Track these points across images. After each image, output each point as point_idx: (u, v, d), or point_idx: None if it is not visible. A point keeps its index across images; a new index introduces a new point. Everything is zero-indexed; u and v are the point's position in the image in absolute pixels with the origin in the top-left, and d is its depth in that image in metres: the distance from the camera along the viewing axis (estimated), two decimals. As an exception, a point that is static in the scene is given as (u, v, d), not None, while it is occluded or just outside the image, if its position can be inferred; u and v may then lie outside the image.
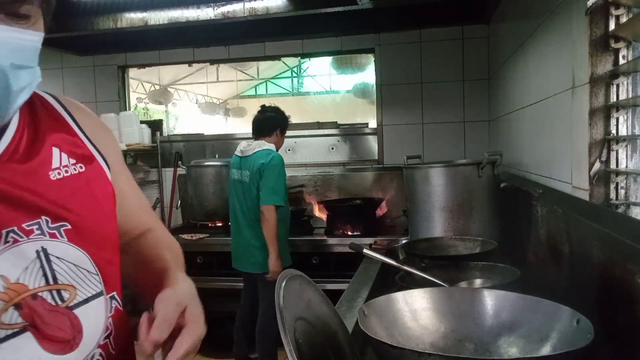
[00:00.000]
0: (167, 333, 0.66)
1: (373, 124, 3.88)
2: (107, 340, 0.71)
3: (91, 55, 4.11)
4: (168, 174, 4.12)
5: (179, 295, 0.73)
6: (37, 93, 0.75)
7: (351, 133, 3.93)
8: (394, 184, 3.65)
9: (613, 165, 1.18)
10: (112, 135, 0.87)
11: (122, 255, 0.80)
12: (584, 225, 1.16)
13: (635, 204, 1.15)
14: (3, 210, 0.62)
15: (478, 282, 1.43)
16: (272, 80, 11.67)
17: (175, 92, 9.80)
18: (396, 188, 3.64)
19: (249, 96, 11.61)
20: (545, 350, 0.88)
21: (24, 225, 0.63)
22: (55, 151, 0.71)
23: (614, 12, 1.15)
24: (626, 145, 1.16)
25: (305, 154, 3.95)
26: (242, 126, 10.70)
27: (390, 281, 1.13)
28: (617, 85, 1.17)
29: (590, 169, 1.20)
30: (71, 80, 4.19)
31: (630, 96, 1.15)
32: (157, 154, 4.04)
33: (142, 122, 4.07)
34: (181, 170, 4.00)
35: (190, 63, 4.25)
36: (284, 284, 0.89)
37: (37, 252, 0.64)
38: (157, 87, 8.84)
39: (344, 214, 3.46)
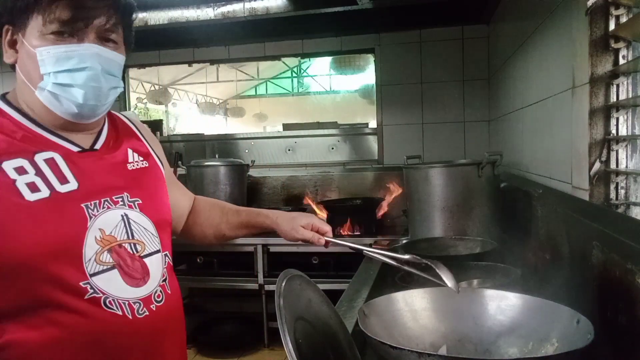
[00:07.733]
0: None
1: (373, 124, 3.88)
2: (164, 283, 0.97)
3: (91, 55, 4.11)
4: (168, 174, 4.11)
5: (290, 216, 1.23)
6: (115, 113, 1.09)
7: (351, 133, 3.93)
8: (394, 184, 3.64)
9: (613, 165, 1.18)
10: (157, 140, 1.20)
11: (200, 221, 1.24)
12: (584, 225, 1.16)
13: (635, 204, 1.15)
14: (102, 185, 0.92)
15: (478, 282, 1.43)
16: (272, 80, 11.66)
17: (175, 92, 9.79)
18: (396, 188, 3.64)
19: (249, 96, 11.59)
20: (545, 350, 0.88)
21: (113, 197, 0.93)
22: (130, 151, 1.03)
23: (614, 12, 1.15)
24: (626, 145, 1.16)
25: (305, 154, 3.94)
26: (241, 126, 10.71)
27: (390, 281, 1.13)
28: (617, 85, 1.16)
29: (590, 169, 1.20)
30: (71, 80, 4.18)
31: (630, 96, 1.15)
32: (157, 154, 4.03)
33: (142, 122, 4.05)
34: (181, 170, 3.99)
35: (190, 63, 4.24)
36: (284, 284, 0.89)
37: (122, 215, 0.92)
38: (157, 87, 8.83)
39: (344, 214, 3.46)
